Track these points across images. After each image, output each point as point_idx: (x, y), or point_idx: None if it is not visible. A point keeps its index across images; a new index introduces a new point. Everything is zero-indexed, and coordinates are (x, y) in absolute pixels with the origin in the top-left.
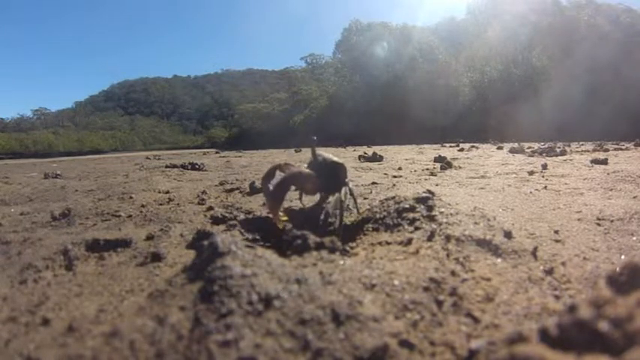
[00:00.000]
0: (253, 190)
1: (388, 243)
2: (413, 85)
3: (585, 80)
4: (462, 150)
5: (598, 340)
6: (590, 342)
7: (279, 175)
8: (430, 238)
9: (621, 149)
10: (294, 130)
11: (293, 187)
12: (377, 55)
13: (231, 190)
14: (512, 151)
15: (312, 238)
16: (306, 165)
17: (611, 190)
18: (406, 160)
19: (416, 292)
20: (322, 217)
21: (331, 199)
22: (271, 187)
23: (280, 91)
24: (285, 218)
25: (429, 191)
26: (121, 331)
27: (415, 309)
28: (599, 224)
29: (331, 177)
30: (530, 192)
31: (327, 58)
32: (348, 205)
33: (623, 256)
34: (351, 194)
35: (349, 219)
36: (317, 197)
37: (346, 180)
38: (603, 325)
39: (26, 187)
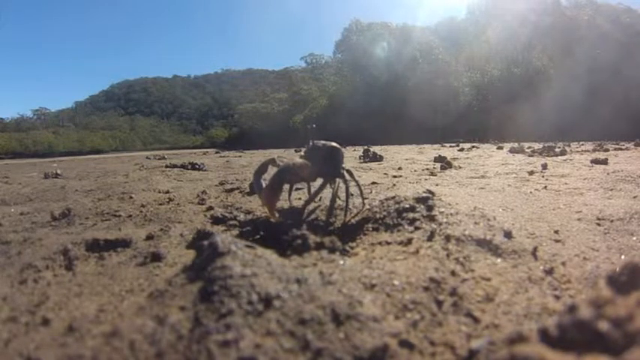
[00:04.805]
0: (253, 190)
1: (388, 243)
2: (413, 85)
3: (585, 80)
4: (462, 150)
5: (598, 340)
6: (590, 342)
7: (272, 170)
8: (430, 238)
9: (621, 149)
10: (294, 130)
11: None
12: (377, 55)
13: (231, 190)
14: (512, 151)
15: (312, 238)
16: (302, 152)
17: (611, 190)
18: (406, 160)
19: (416, 292)
20: (327, 212)
21: (328, 191)
22: (264, 182)
23: (280, 91)
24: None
25: (429, 191)
26: (121, 331)
27: (415, 309)
28: (599, 224)
29: (327, 161)
30: (530, 192)
31: (327, 58)
32: (351, 194)
33: (623, 256)
34: (354, 180)
35: (347, 218)
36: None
37: (343, 165)
38: (603, 325)
39: (26, 187)
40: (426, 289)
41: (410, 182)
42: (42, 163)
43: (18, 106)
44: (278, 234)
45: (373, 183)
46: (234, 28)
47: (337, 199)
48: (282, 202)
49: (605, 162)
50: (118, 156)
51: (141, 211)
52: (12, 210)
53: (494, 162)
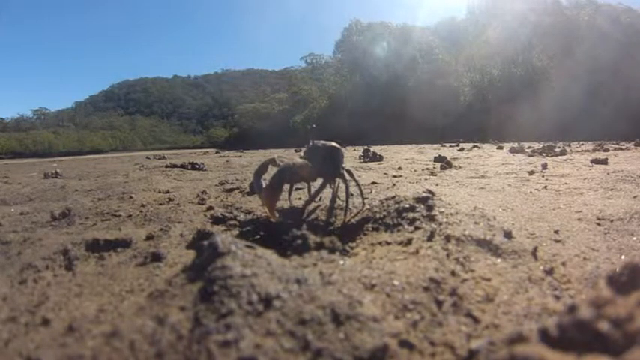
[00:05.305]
0: (253, 190)
1: (388, 243)
2: (413, 85)
3: (585, 80)
4: (462, 150)
5: (598, 340)
6: (590, 342)
7: (272, 170)
8: (430, 238)
9: (621, 149)
10: (294, 130)
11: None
12: (377, 55)
13: (231, 190)
14: (512, 151)
15: (312, 238)
16: (302, 153)
17: (611, 190)
18: (406, 160)
19: (416, 292)
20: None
21: (327, 191)
22: (264, 183)
23: (280, 91)
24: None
25: (429, 191)
26: (121, 331)
27: (415, 309)
28: (599, 224)
29: (327, 161)
30: (530, 192)
31: (327, 58)
32: (351, 194)
33: (623, 256)
34: (354, 180)
35: (347, 218)
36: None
37: (343, 165)
38: (603, 325)
39: (26, 187)
40: (426, 289)
41: (410, 182)
42: (42, 163)
43: (18, 106)
44: (278, 234)
45: (373, 183)
46: (234, 28)
47: (337, 199)
48: (282, 202)
49: (605, 162)
50: (118, 156)
51: (141, 211)
52: (12, 210)
53: (494, 162)
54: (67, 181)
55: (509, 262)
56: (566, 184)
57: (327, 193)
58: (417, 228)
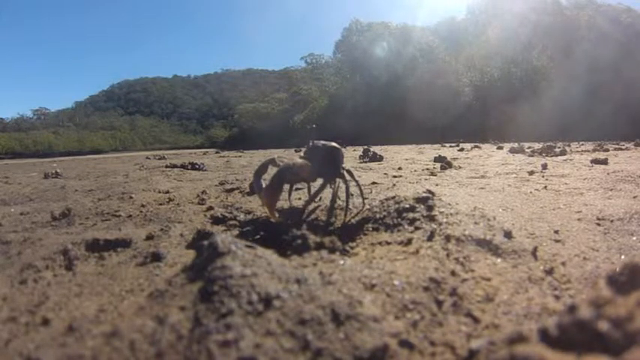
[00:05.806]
0: (253, 190)
1: (388, 243)
2: (413, 85)
3: (585, 80)
4: (462, 150)
5: (598, 340)
6: (590, 342)
7: (272, 170)
8: (430, 238)
9: (621, 149)
10: (294, 130)
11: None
12: (377, 55)
13: (231, 190)
14: (512, 151)
15: (312, 238)
16: (302, 153)
17: (611, 190)
18: (406, 160)
19: (416, 292)
20: (328, 211)
21: (327, 191)
22: (264, 183)
23: (280, 91)
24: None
25: (429, 191)
26: (121, 331)
27: (415, 309)
28: (599, 224)
29: (327, 161)
30: (530, 192)
31: (327, 58)
32: (351, 194)
33: (623, 256)
34: (354, 180)
35: (347, 218)
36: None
37: (343, 165)
38: (603, 325)
39: (26, 187)
40: (426, 289)
41: (410, 182)
42: (42, 163)
43: (18, 106)
44: (278, 234)
45: (373, 183)
46: (234, 28)
47: (337, 199)
48: (282, 202)
49: (605, 162)
50: (118, 156)
51: (141, 211)
52: (12, 210)
53: (494, 162)
54: (67, 181)
55: (509, 262)
56: (566, 184)
57: (327, 193)
58: (417, 228)
